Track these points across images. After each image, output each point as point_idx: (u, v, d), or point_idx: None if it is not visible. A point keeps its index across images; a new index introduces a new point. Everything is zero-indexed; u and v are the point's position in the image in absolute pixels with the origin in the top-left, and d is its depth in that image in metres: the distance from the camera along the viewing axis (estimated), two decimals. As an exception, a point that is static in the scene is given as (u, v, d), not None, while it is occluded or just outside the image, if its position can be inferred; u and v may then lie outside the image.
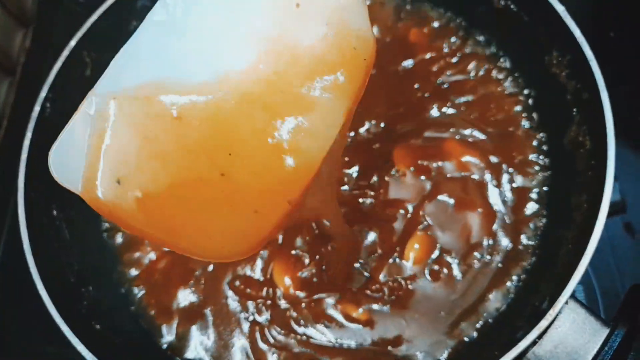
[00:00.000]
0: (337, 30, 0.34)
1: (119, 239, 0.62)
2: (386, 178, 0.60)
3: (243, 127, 0.33)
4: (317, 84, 0.34)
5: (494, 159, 0.60)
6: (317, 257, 0.58)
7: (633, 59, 0.73)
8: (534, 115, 0.62)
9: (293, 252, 0.58)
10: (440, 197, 0.58)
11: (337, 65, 0.34)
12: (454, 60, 0.65)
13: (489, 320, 0.55)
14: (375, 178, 0.60)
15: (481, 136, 0.61)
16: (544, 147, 0.60)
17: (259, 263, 0.59)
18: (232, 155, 0.33)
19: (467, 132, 0.61)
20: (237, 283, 0.58)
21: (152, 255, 0.61)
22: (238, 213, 0.34)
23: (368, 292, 0.56)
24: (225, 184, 0.33)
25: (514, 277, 0.56)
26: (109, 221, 0.63)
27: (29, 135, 0.56)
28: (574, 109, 0.54)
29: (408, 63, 0.66)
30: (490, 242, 0.57)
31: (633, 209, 0.67)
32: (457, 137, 0.61)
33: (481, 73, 0.64)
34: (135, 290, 0.60)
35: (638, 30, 0.74)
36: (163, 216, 0.34)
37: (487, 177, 0.59)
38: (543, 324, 0.44)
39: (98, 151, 0.33)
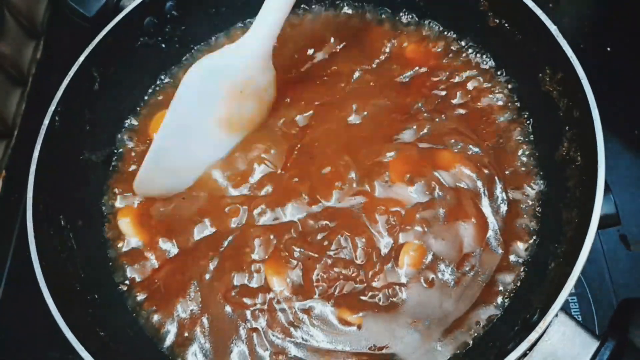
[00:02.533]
0: None
1: (122, 248, 0.64)
2: (381, 186, 0.60)
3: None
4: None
5: (486, 170, 0.60)
6: (301, 253, 0.58)
7: (630, 70, 0.74)
8: (527, 129, 0.62)
9: (283, 253, 0.59)
10: (435, 206, 0.59)
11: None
12: (449, 74, 0.66)
13: (480, 331, 0.55)
14: (369, 187, 0.60)
15: (474, 148, 0.61)
16: (536, 162, 0.61)
17: (252, 270, 0.59)
18: None
19: (461, 144, 0.62)
20: (233, 293, 0.58)
21: (155, 263, 0.62)
22: None
23: (363, 297, 0.56)
24: None
25: (505, 288, 0.56)
26: (111, 231, 0.65)
27: (38, 147, 0.58)
28: (566, 126, 0.55)
29: (405, 77, 0.67)
30: (482, 252, 0.57)
31: (628, 221, 0.67)
32: (451, 148, 0.61)
33: (475, 87, 0.65)
34: (138, 297, 0.61)
35: (635, 41, 0.75)
36: None
37: (481, 188, 0.60)
38: (533, 336, 0.45)
39: None
